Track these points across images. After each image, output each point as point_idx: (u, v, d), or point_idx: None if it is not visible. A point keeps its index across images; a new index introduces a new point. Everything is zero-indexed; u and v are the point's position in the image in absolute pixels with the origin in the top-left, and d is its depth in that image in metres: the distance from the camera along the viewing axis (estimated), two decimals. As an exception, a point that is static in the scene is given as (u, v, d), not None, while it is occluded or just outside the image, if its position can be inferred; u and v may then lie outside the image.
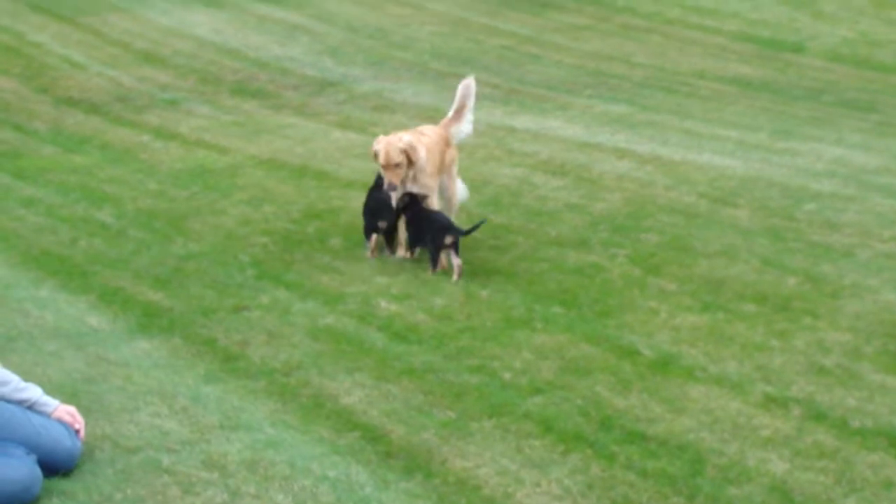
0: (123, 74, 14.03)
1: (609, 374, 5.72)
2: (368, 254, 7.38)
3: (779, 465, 4.87)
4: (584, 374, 5.72)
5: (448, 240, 6.93)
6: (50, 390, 5.03)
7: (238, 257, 7.59)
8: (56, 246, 7.81)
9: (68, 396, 5.22)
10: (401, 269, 7.38)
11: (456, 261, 7.02)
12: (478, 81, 14.52)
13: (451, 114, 7.57)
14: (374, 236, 7.36)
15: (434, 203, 7.22)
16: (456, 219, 7.87)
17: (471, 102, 7.54)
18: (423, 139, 7.11)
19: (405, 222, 7.22)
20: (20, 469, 4.34)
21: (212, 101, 12.97)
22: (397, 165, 6.95)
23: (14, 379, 4.72)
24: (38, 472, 4.43)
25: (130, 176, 9.68)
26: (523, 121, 11.96)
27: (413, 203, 7.14)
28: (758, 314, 6.52)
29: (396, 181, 7.01)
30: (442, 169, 7.33)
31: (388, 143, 6.97)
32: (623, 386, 5.58)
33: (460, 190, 7.94)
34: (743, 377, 5.68)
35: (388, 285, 7.08)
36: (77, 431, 4.77)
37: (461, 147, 10.64)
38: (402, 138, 6.97)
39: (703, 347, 6.05)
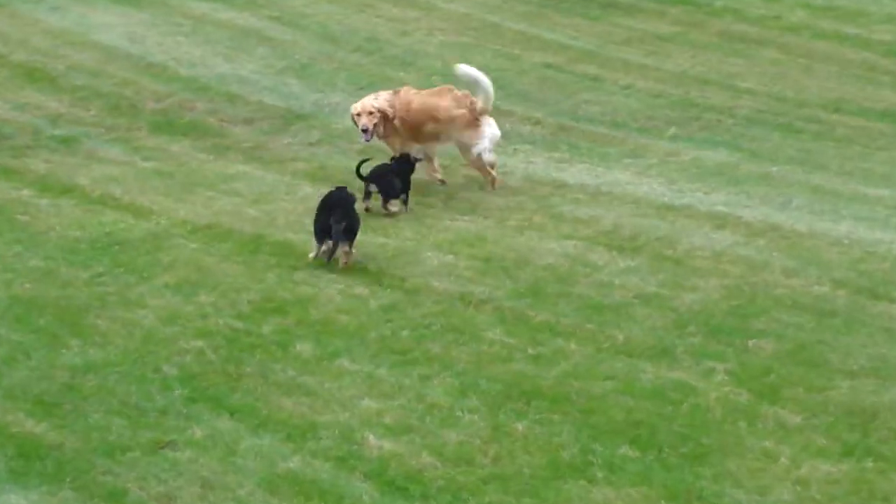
0: (-5, 100, 14.42)
1: (704, 549, 5.73)
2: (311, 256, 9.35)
3: None
4: (666, 549, 5.74)
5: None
6: None
7: (161, 370, 7.64)
8: None
9: None
10: (397, 388, 7.44)
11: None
12: (512, 115, 14.67)
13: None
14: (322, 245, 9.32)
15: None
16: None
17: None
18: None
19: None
20: None
21: (124, 139, 13.08)
22: None
23: None
24: None
25: (3, 248, 9.79)
26: (577, 173, 12.08)
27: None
28: (923, 461, 6.54)
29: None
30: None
31: None
32: (725, 566, 5.60)
33: None
34: (902, 555, 5.71)
35: (378, 412, 7.11)
36: None
37: (486, 211, 10.73)
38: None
39: (844, 510, 6.08)
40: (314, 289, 8.96)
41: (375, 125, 11.30)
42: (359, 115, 11.35)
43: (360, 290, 8.97)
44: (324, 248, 9.46)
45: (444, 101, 11.46)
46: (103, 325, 8.32)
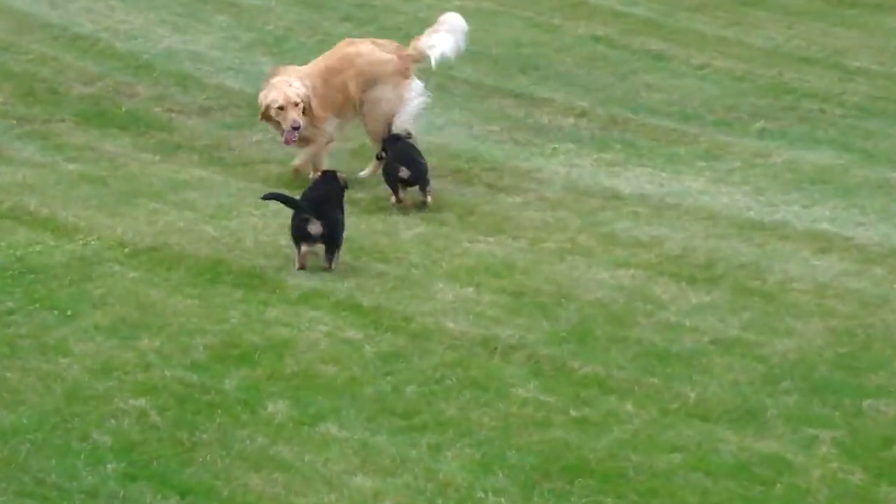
0: None
1: None
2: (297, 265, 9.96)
3: None
4: None
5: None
6: None
7: (89, 437, 7.61)
8: None
9: None
10: (400, 461, 7.40)
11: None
12: (550, 105, 14.57)
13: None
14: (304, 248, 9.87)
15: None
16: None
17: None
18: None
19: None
20: None
21: (42, 133, 13.17)
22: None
23: None
24: None
25: None
26: (635, 180, 12.12)
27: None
28: None
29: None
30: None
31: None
32: None
33: None
34: None
35: (375, 493, 7.09)
36: None
37: (516, 230, 10.74)
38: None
39: None
40: (292, 330, 8.95)
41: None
42: (282, 108, 11.63)
43: (352, 332, 8.96)
44: (304, 249, 9.85)
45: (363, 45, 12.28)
46: (13, 378, 8.29)
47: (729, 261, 10.25)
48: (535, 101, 14.13)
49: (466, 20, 17.19)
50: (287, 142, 11.73)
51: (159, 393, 8.14)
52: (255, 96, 14.05)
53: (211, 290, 9.59)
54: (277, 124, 11.69)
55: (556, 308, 9.36)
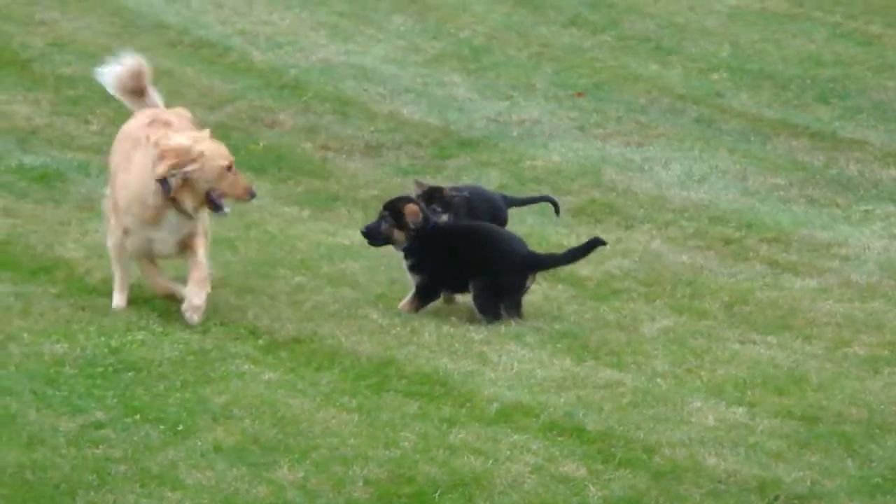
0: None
1: None
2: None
3: None
4: None
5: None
6: None
7: None
8: None
9: None
10: None
11: None
12: (862, 148, 14.51)
13: None
14: None
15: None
16: None
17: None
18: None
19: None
20: None
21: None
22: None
23: None
24: None
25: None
26: None
27: None
28: None
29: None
30: None
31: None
32: None
33: None
34: None
35: None
36: None
37: (807, 327, 10.66)
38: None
39: None
40: (486, 461, 8.86)
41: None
42: (229, 168, 10.65)
43: (571, 466, 8.86)
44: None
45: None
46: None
47: None
48: (841, 142, 14.09)
49: (743, 27, 17.28)
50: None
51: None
52: (444, 130, 14.24)
53: (376, 401, 9.58)
54: (192, 196, 10.63)
55: (867, 442, 9.18)
